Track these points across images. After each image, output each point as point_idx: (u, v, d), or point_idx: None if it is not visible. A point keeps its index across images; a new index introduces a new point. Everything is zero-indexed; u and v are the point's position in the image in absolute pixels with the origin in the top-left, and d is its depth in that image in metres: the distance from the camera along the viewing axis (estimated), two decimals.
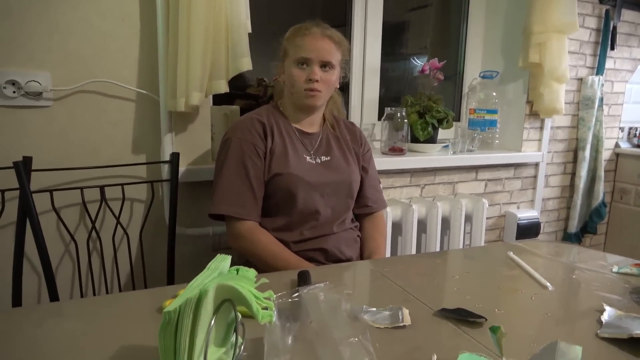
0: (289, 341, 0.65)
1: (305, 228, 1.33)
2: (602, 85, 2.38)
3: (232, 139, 1.30)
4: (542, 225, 2.42)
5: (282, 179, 1.29)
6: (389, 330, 0.76)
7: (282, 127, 1.35)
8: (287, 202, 1.30)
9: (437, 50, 2.45)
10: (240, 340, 0.65)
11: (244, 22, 1.45)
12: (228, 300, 0.60)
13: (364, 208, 1.49)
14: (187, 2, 1.35)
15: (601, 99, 2.38)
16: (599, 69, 2.40)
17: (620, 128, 2.63)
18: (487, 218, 2.21)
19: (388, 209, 1.88)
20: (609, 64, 2.45)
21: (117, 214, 1.43)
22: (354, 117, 2.14)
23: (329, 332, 0.66)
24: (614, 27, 2.39)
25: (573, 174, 2.47)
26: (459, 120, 2.41)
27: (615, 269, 1.06)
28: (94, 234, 1.43)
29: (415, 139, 2.07)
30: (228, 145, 1.30)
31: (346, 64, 1.40)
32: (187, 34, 1.36)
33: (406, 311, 0.80)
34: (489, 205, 2.21)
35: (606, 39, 2.38)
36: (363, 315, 0.78)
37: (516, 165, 2.30)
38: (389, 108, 1.99)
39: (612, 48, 2.42)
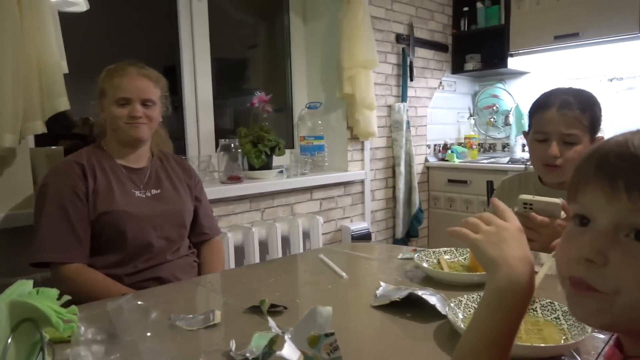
0: (99, 354, 0.71)
1: (139, 261, 1.36)
2: (407, 110, 2.83)
3: (49, 184, 1.30)
4: (373, 234, 2.74)
5: (109, 217, 1.31)
6: (202, 330, 0.86)
7: (105, 166, 1.38)
8: (117, 239, 1.33)
9: (270, 84, 2.68)
10: (48, 358, 0.69)
11: (58, 62, 1.46)
12: (29, 320, 0.65)
13: (200, 235, 1.57)
14: None
15: (408, 122, 2.82)
16: (403, 97, 2.85)
17: (427, 145, 3.13)
18: (324, 233, 2.44)
19: (229, 234, 1.98)
20: (410, 92, 2.92)
21: None
22: (191, 151, 2.23)
23: (136, 341, 0.73)
24: (411, 62, 2.88)
25: (394, 187, 2.86)
26: (292, 147, 2.64)
27: (400, 256, 1.30)
28: None
29: (251, 167, 2.22)
30: (45, 191, 1.29)
31: (166, 99, 1.49)
32: None
33: (218, 312, 0.91)
34: (325, 222, 2.45)
35: (405, 72, 2.85)
36: (176, 322, 0.87)
37: (345, 184, 2.60)
38: (223, 140, 2.12)
39: (411, 79, 2.90)
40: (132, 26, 2.19)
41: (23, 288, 0.67)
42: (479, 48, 3.17)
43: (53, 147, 1.68)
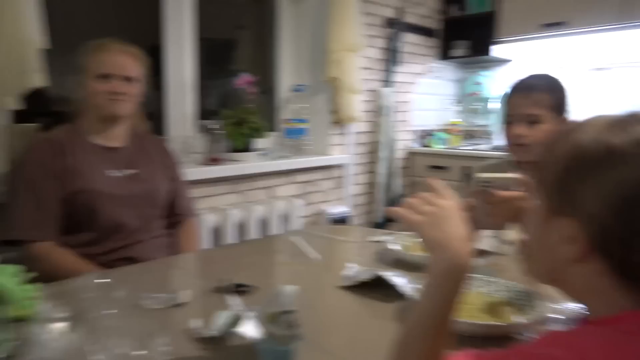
0: (60, 329, 0.72)
1: (111, 240, 1.35)
2: (392, 95, 2.83)
3: (22, 161, 1.29)
4: (353, 218, 2.76)
5: (81, 196, 1.30)
6: (169, 309, 0.87)
7: (80, 145, 1.36)
8: (89, 218, 1.32)
9: (257, 66, 2.65)
10: (10, 335, 0.69)
11: (35, 37, 1.43)
12: None
13: (175, 216, 1.56)
14: None
15: (392, 108, 2.82)
16: (389, 82, 2.84)
17: (410, 131, 3.14)
18: (303, 217, 2.45)
19: (206, 215, 1.98)
20: (396, 77, 2.92)
21: None
22: (173, 131, 2.20)
23: (101, 318, 0.74)
24: (398, 47, 2.86)
25: (375, 172, 2.87)
26: (276, 130, 2.63)
27: (370, 238, 1.32)
28: None
29: (234, 149, 2.21)
30: (18, 169, 1.29)
31: (147, 78, 1.46)
32: None
33: (186, 292, 0.91)
34: (305, 205, 2.46)
35: (392, 56, 2.84)
36: (144, 301, 0.88)
37: (326, 168, 2.60)
38: (205, 121, 2.11)
39: (398, 64, 2.89)
40: (117, 4, 2.15)
41: None
42: (468, 34, 3.15)
43: (29, 125, 1.66)
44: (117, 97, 1.35)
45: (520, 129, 1.30)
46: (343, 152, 2.66)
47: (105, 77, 1.34)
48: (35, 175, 1.26)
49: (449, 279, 0.53)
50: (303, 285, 0.99)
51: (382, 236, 1.31)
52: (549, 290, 0.88)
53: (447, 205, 0.57)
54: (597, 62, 2.83)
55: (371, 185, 2.89)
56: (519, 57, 3.10)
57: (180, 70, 2.19)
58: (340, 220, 2.57)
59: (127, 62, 1.37)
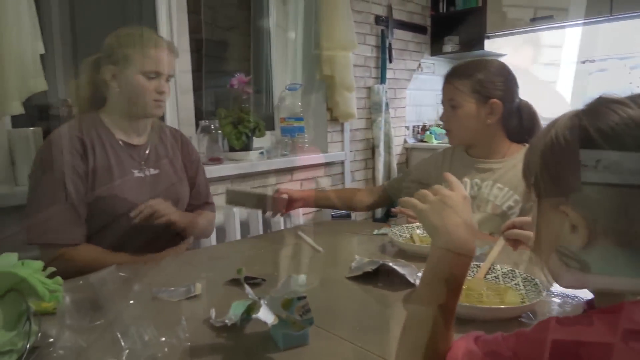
0: (84, 321, 0.75)
1: (133, 246, 1.27)
2: (386, 92, 2.86)
3: (46, 160, 1.19)
4: (353, 214, 2.79)
5: (105, 202, 1.23)
6: (183, 302, 0.90)
7: (104, 141, 1.27)
8: (112, 223, 1.25)
9: (250, 66, 2.68)
10: (34, 327, 0.72)
11: (33, 43, 1.45)
12: (15, 290, 0.67)
13: (193, 206, 1.48)
14: None
15: (387, 104, 2.86)
16: (382, 79, 2.88)
17: (406, 127, 3.18)
18: (304, 213, 2.48)
19: None
20: (389, 74, 2.95)
21: None
22: None
23: (119, 309, 0.76)
24: (389, 44, 2.90)
25: (373, 168, 2.91)
26: (273, 129, 2.66)
27: (375, 232, 1.35)
28: None
29: (232, 149, 2.24)
30: (43, 167, 1.20)
31: None
32: None
33: (198, 284, 0.94)
34: None
35: (384, 53, 2.88)
36: (158, 294, 0.91)
37: (325, 165, 2.63)
38: (203, 121, 2.13)
39: (390, 61, 2.92)
40: (111, 5, 2.16)
41: (8, 260, 0.69)
42: (457, 30, 3.20)
43: (31, 129, 1.67)
44: (161, 99, 1.29)
45: (444, 114, 1.42)
46: (341, 149, 2.69)
47: (154, 75, 1.26)
48: (65, 175, 1.18)
49: (448, 264, 0.56)
50: (310, 276, 1.02)
51: (384, 229, 1.35)
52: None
53: (451, 194, 0.60)
54: (585, 54, 2.88)
55: (370, 181, 2.93)
56: (510, 51, 3.14)
57: (176, 70, 2.21)
58: (342, 216, 2.60)
59: (172, 60, 1.31)
